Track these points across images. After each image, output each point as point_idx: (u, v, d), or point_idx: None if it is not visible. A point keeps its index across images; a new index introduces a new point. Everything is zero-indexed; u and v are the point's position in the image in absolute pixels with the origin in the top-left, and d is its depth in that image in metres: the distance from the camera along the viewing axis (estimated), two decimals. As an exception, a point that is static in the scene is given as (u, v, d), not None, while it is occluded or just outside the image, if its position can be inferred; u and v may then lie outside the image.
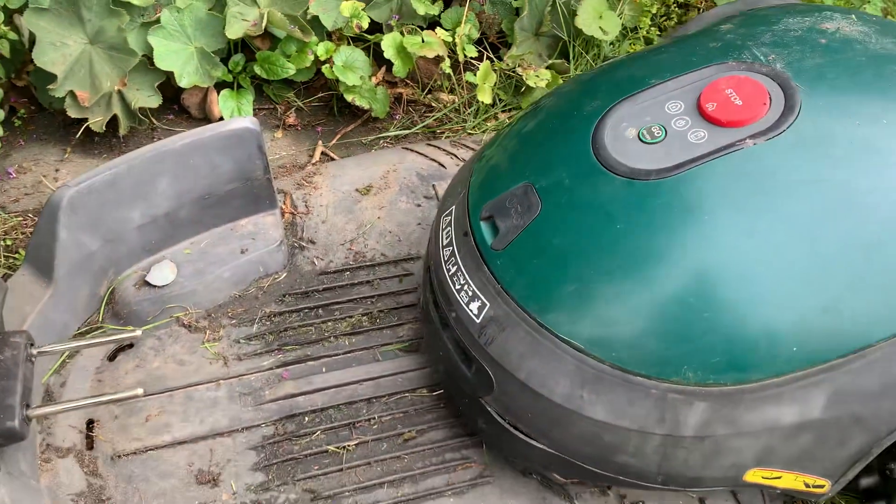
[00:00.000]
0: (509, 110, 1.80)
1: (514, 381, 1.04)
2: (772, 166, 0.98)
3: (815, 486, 1.05)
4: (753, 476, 1.04)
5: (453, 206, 1.20)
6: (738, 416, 0.98)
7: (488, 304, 1.06)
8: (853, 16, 1.17)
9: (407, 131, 1.77)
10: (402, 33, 1.71)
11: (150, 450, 1.22)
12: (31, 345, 1.13)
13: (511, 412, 1.09)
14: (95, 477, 1.19)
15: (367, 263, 1.49)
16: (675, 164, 1.00)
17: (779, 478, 1.04)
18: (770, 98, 1.03)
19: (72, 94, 1.60)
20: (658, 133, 1.05)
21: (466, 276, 1.10)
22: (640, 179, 1.01)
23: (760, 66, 1.08)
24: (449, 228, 1.18)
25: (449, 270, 1.14)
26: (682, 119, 1.05)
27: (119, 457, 1.21)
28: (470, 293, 1.09)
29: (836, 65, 1.07)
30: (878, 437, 1.00)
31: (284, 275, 1.45)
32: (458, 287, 1.11)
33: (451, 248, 1.15)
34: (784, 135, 0.99)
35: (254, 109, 1.78)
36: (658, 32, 1.87)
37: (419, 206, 1.58)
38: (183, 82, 1.67)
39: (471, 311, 1.08)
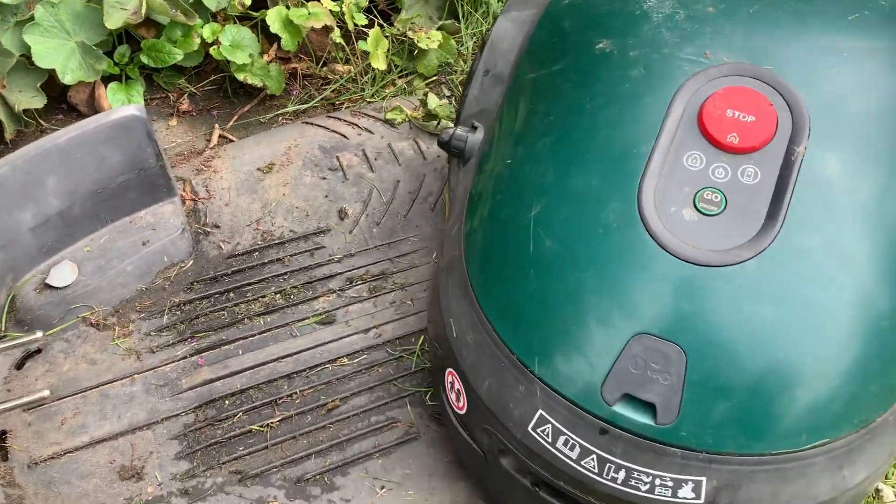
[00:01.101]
0: (406, 75, 1.79)
1: None
2: (842, 152, 0.91)
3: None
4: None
5: (540, 410, 0.93)
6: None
7: (704, 479, 0.89)
8: None
9: (305, 105, 1.75)
10: (287, 6, 1.68)
11: (69, 452, 1.20)
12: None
13: None
14: (13, 487, 1.16)
15: (276, 241, 1.47)
16: (770, 213, 0.88)
17: None
18: (763, 99, 0.93)
19: (-52, 101, 1.53)
20: (715, 197, 0.89)
21: (651, 471, 0.90)
22: (760, 252, 0.86)
23: (717, 70, 0.95)
24: (566, 437, 0.93)
25: (615, 479, 0.91)
26: (720, 168, 0.91)
27: (36, 464, 1.18)
28: (670, 483, 0.89)
29: (770, 20, 0.99)
30: None
31: (191, 262, 1.43)
32: (645, 489, 0.90)
33: (592, 455, 0.91)
34: (817, 122, 0.91)
35: (145, 99, 1.74)
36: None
37: (324, 178, 1.57)
38: (66, 79, 1.61)
39: (684, 497, 0.90)
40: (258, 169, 1.57)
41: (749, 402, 0.86)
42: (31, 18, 1.59)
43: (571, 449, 0.93)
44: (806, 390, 0.87)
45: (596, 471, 0.92)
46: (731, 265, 0.86)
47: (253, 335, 1.34)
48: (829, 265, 0.87)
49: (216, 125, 1.71)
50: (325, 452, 1.21)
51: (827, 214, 0.88)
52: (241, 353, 1.32)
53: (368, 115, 1.69)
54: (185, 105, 1.75)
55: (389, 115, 1.67)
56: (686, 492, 0.90)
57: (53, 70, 1.61)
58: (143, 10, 1.61)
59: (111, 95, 1.70)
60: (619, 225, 0.90)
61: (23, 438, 1.21)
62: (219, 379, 1.28)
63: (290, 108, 1.74)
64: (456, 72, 1.79)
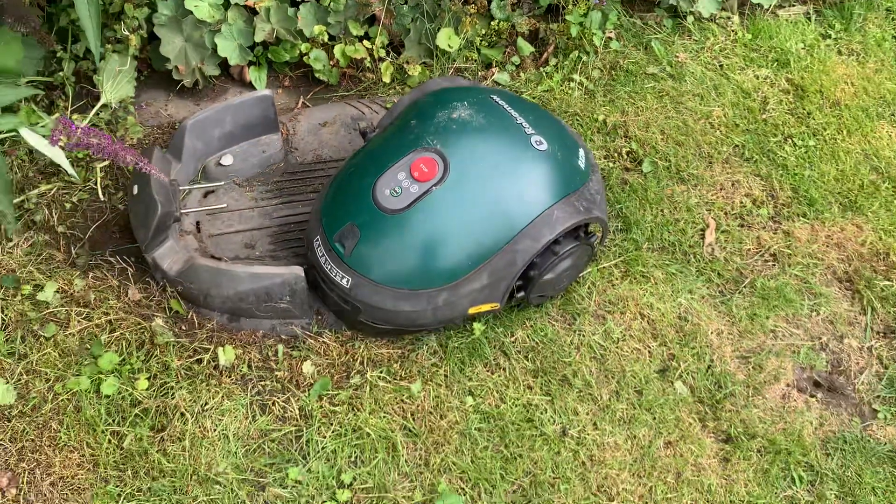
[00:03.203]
0: (401, 84, 3.38)
1: (371, 308, 2.29)
2: (447, 196, 2.20)
3: (493, 307, 2.38)
4: (471, 311, 2.31)
5: (318, 235, 2.37)
6: (459, 291, 2.25)
7: (352, 279, 2.27)
8: (465, 102, 2.34)
9: (348, 93, 3.35)
10: (345, 43, 3.27)
11: (225, 234, 2.84)
12: (178, 185, 2.74)
13: (371, 317, 2.34)
14: (202, 243, 2.81)
15: (322, 161, 3.09)
16: (409, 204, 2.20)
17: (480, 308, 2.33)
18: (437, 164, 2.22)
19: (176, 68, 3.16)
20: (398, 190, 2.23)
21: (337, 269, 2.28)
22: (398, 213, 2.21)
23: (432, 149, 2.25)
24: (321, 248, 2.34)
25: (327, 266, 2.31)
26: (407, 181, 2.23)
27: (212, 236, 2.83)
28: (340, 276, 2.29)
29: (460, 137, 2.28)
30: (516, 273, 2.26)
31: (282, 164, 3.06)
32: (334, 275, 2.30)
33: (325, 257, 2.32)
34: (447, 180, 2.21)
35: (267, 76, 3.35)
36: (487, 45, 3.44)
37: (349, 134, 3.18)
38: (232, 62, 3.22)
39: (344, 283, 2.29)
40: (319, 124, 3.19)
41: (374, 261, 2.26)
42: (219, 30, 3.20)
43: (321, 252, 2.35)
44: (403, 266, 2.27)
45: (324, 262, 2.33)
46: (389, 215, 2.22)
47: (309, 199, 2.97)
48: (425, 220, 2.22)
49: (301, 97, 3.32)
50: (330, 252, 2.88)
51: (432, 211, 2.21)
52: (300, 207, 2.95)
53: (377, 104, 3.29)
54: (287, 82, 3.36)
55: (388, 105, 3.26)
56: (345, 282, 2.29)
57: (225, 57, 3.22)
58: (275, 34, 3.22)
59: (251, 73, 3.31)
60: (366, 185, 2.29)
61: (206, 224, 2.87)
62: (292, 215, 2.91)
63: (340, 94, 3.35)
64: (427, 87, 3.37)
